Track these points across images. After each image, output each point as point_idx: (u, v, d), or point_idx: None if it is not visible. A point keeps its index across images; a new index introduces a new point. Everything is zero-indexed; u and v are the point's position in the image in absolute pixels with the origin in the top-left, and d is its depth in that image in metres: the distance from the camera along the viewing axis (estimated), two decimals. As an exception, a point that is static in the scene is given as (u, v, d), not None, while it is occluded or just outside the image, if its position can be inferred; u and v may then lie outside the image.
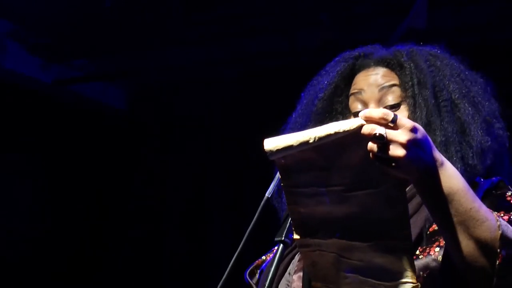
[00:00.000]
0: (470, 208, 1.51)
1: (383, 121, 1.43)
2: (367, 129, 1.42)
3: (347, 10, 4.70)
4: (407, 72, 1.89)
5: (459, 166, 1.75)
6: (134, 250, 5.65)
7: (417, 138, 1.45)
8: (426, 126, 1.80)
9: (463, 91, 1.88)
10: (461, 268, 1.56)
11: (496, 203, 1.71)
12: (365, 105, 1.88)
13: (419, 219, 1.71)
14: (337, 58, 2.03)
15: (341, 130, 1.42)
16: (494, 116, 1.89)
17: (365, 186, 1.47)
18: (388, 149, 1.42)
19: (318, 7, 4.65)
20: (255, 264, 1.99)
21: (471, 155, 1.79)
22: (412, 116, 1.83)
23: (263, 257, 2.00)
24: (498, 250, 1.52)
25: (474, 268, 1.53)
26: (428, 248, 1.67)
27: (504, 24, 4.50)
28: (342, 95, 1.96)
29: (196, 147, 5.64)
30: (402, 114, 1.83)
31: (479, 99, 1.89)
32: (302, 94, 2.04)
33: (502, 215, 1.66)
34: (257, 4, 4.72)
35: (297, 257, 1.85)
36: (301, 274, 1.81)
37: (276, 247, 1.61)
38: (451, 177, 1.51)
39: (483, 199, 1.69)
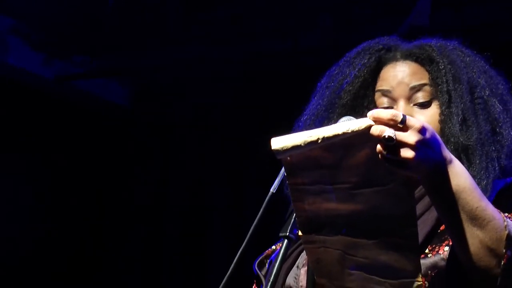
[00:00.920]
0: (477, 207, 1.51)
1: (392, 122, 1.42)
2: (376, 130, 1.41)
3: (348, 10, 4.70)
4: (440, 67, 1.84)
5: (495, 165, 1.74)
6: (134, 250, 5.65)
7: (426, 138, 1.44)
8: (462, 122, 1.78)
9: (492, 88, 1.86)
10: (466, 267, 1.56)
11: (508, 203, 1.70)
12: (394, 102, 1.85)
13: (430, 217, 1.70)
14: (358, 48, 1.97)
15: (349, 131, 1.42)
16: None
17: (373, 183, 1.47)
18: (398, 151, 1.42)
19: (319, 7, 4.65)
20: (264, 254, 1.96)
21: (503, 155, 1.78)
22: (446, 112, 1.80)
23: (273, 247, 1.98)
24: (504, 251, 1.52)
25: (479, 267, 1.53)
26: (437, 247, 1.67)
27: (508, 24, 4.50)
28: (369, 89, 1.91)
29: (197, 145, 5.64)
30: (433, 112, 1.82)
31: (508, 97, 1.87)
32: (319, 84, 1.99)
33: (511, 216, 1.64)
34: (258, 4, 4.73)
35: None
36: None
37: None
38: (458, 175, 1.51)
39: (496, 199, 1.70)
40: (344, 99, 1.92)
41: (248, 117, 5.36)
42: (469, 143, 1.77)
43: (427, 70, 1.87)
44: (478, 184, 1.61)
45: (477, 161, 1.75)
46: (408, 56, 1.90)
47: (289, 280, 1.82)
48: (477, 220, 1.51)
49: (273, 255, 1.96)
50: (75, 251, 5.50)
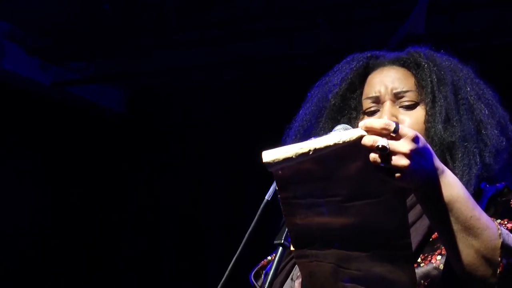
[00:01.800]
0: (471, 216, 1.50)
1: (384, 131, 1.42)
2: (369, 140, 1.40)
3: (345, 14, 4.71)
4: (425, 71, 1.86)
5: (478, 161, 1.74)
6: (133, 251, 5.66)
7: (420, 147, 1.44)
8: (446, 121, 1.79)
9: (479, 93, 1.88)
10: (462, 277, 1.55)
11: (500, 210, 1.70)
12: (380, 105, 1.85)
13: (421, 225, 1.70)
14: (347, 58, 2.00)
15: (340, 141, 1.40)
16: (506, 120, 1.89)
17: (364, 196, 1.46)
18: (391, 160, 1.41)
19: (316, 11, 4.66)
20: (260, 265, 1.97)
21: (487, 154, 1.78)
22: (431, 112, 1.81)
23: (269, 258, 1.98)
24: (499, 259, 1.51)
25: (475, 277, 1.52)
26: (429, 256, 1.66)
27: (501, 30, 4.52)
28: (356, 92, 1.93)
29: (193, 150, 5.64)
30: (418, 114, 1.83)
31: (494, 102, 1.89)
32: (309, 94, 2.01)
33: (506, 222, 1.65)
34: (255, 7, 4.73)
35: None
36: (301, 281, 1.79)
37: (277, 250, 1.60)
38: (451, 185, 1.50)
39: (487, 206, 1.70)
40: (332, 101, 1.93)
41: (244, 120, 5.37)
42: (452, 139, 1.77)
43: (413, 75, 1.89)
44: (460, 179, 1.59)
45: (460, 158, 1.75)
46: (395, 61, 1.92)
47: None
48: (472, 229, 1.50)
49: (268, 266, 1.95)
50: (74, 252, 5.51)
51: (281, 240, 1.60)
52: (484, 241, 1.51)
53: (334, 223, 1.50)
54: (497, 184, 1.79)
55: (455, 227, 1.49)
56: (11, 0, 4.68)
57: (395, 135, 1.42)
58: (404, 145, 1.42)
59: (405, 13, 4.19)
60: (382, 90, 1.86)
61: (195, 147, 5.64)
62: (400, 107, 1.84)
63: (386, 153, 1.40)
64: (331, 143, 1.40)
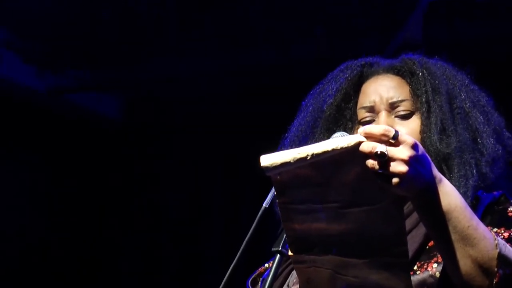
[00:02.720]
0: (468, 226, 1.50)
1: (384, 138, 1.41)
2: (368, 147, 1.40)
3: (342, 23, 4.72)
4: (420, 79, 1.86)
5: (474, 172, 1.74)
6: (132, 253, 5.67)
7: (418, 155, 1.43)
8: (441, 132, 1.78)
9: (474, 100, 1.87)
10: (459, 286, 1.54)
11: (497, 219, 1.70)
12: (375, 115, 1.85)
13: (418, 233, 1.69)
14: (341, 67, 1.99)
15: (338, 147, 1.40)
16: (502, 126, 1.88)
17: (362, 203, 1.46)
18: (389, 166, 1.40)
19: (313, 20, 4.66)
20: (257, 272, 1.97)
21: (483, 163, 1.77)
22: (426, 122, 1.81)
23: (266, 265, 1.98)
24: (496, 269, 1.51)
25: (472, 287, 1.52)
26: (426, 264, 1.66)
27: (498, 39, 4.53)
28: (351, 102, 1.93)
29: (189, 157, 5.65)
30: (414, 123, 1.82)
31: (489, 108, 1.89)
32: (304, 103, 2.01)
33: (502, 231, 1.65)
34: (251, 17, 4.73)
35: None
36: (298, 287, 1.78)
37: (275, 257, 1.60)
38: (449, 194, 1.50)
39: (484, 214, 1.70)
40: (327, 112, 1.93)
41: (241, 128, 5.37)
42: (448, 151, 1.77)
43: (408, 83, 1.89)
44: (457, 190, 1.58)
45: (456, 169, 1.75)
46: (389, 70, 1.92)
47: None
48: (469, 239, 1.50)
49: (265, 273, 1.95)
50: (73, 254, 5.53)
51: (279, 247, 1.59)
52: (481, 251, 1.50)
53: (331, 229, 1.50)
54: (494, 192, 1.79)
55: (453, 236, 1.49)
56: (8, 7, 4.68)
57: (394, 141, 1.42)
58: (403, 152, 1.41)
59: (402, 21, 4.20)
60: (377, 99, 1.86)
61: (192, 154, 5.64)
62: (395, 116, 1.84)
63: (384, 160, 1.39)
64: (329, 149, 1.40)
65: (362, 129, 1.42)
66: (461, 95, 1.87)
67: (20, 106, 5.18)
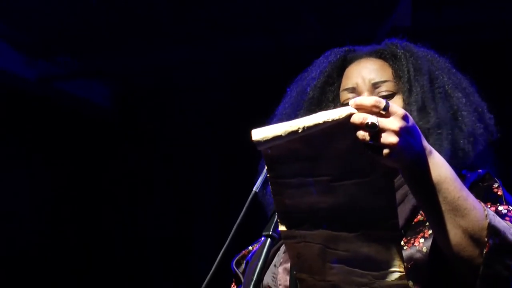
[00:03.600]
0: (458, 197, 1.51)
1: (375, 109, 1.42)
2: (358, 118, 1.40)
3: (333, 10, 4.72)
4: (402, 61, 1.90)
5: (449, 148, 1.76)
6: (125, 246, 5.68)
7: (409, 126, 1.44)
8: (421, 109, 1.81)
9: (456, 82, 1.91)
10: (449, 258, 1.56)
11: (482, 194, 1.71)
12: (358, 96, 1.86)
13: (404, 209, 1.71)
14: (325, 53, 2.03)
15: (329, 119, 1.40)
16: (484, 108, 1.91)
17: (353, 176, 1.46)
18: (380, 137, 1.41)
19: (303, 7, 4.66)
20: (241, 254, 1.99)
21: (462, 139, 1.80)
22: (407, 101, 1.84)
23: (250, 248, 2.00)
24: (486, 239, 1.52)
25: (462, 257, 1.53)
26: (412, 239, 1.67)
27: (487, 25, 4.54)
28: (334, 85, 1.97)
29: (181, 143, 5.65)
30: (397, 104, 1.83)
31: (470, 90, 1.92)
32: (289, 89, 2.04)
33: (489, 206, 1.66)
34: (242, 4, 4.73)
35: (282, 249, 1.85)
36: (286, 266, 1.80)
37: (262, 239, 1.61)
38: (439, 165, 1.51)
39: (469, 190, 1.68)
40: (310, 94, 1.97)
41: (234, 116, 5.37)
42: (427, 126, 1.79)
43: (390, 65, 1.92)
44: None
45: (434, 143, 1.77)
46: (372, 54, 1.96)
47: (267, 279, 1.82)
48: (459, 209, 1.51)
49: (249, 255, 1.97)
50: (70, 254, 5.53)
51: (270, 231, 1.61)
52: (471, 221, 1.51)
53: (322, 203, 1.50)
54: (479, 171, 1.80)
55: (443, 207, 1.50)
56: (-4, -4, 4.66)
57: (385, 112, 1.43)
58: (393, 123, 1.42)
59: (391, 7, 4.21)
60: (360, 81, 1.90)
61: (183, 142, 5.64)
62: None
63: (375, 131, 1.40)
64: (321, 121, 1.40)
65: (353, 101, 1.43)
66: (442, 76, 1.91)
67: (10, 94, 5.17)
